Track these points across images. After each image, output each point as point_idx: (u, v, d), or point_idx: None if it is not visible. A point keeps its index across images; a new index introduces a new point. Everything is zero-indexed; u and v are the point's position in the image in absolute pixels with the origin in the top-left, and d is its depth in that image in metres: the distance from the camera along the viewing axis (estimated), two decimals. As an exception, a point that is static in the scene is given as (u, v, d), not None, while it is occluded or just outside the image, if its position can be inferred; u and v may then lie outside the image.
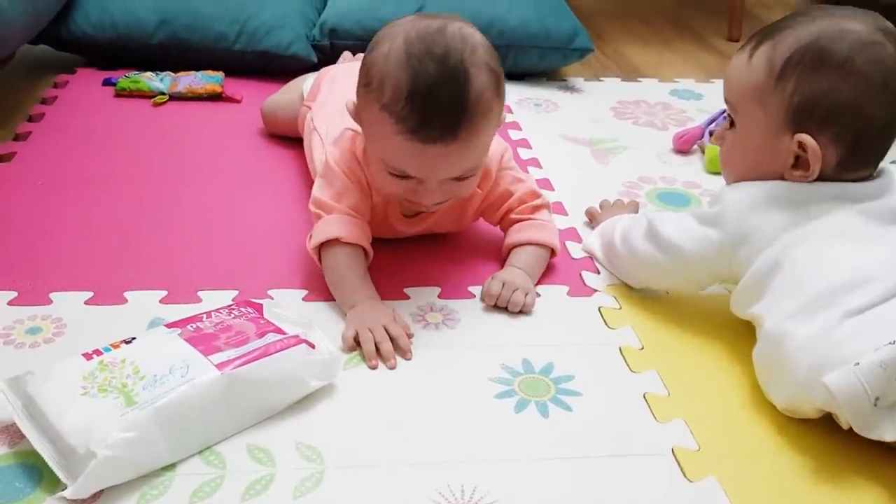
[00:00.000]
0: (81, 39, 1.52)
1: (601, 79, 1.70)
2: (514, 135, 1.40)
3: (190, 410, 0.73)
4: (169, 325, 0.81)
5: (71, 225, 1.08)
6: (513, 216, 1.04)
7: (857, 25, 0.83)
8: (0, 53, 1.19)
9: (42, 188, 1.16)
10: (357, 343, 0.88)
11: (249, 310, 0.84)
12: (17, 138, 1.29)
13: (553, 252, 1.04)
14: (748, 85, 0.88)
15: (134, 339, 0.79)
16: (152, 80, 1.46)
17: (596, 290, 1.01)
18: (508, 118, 1.46)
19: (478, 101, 0.86)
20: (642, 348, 0.92)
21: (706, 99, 1.60)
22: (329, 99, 1.18)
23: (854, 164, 0.85)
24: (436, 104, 0.84)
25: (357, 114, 0.94)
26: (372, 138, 0.92)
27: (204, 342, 0.78)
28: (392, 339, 0.88)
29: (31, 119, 1.36)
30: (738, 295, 0.89)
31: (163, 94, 1.44)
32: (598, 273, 1.05)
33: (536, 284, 1.01)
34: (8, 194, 1.14)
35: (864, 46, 0.82)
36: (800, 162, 0.86)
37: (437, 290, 1.00)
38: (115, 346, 0.77)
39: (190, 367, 0.75)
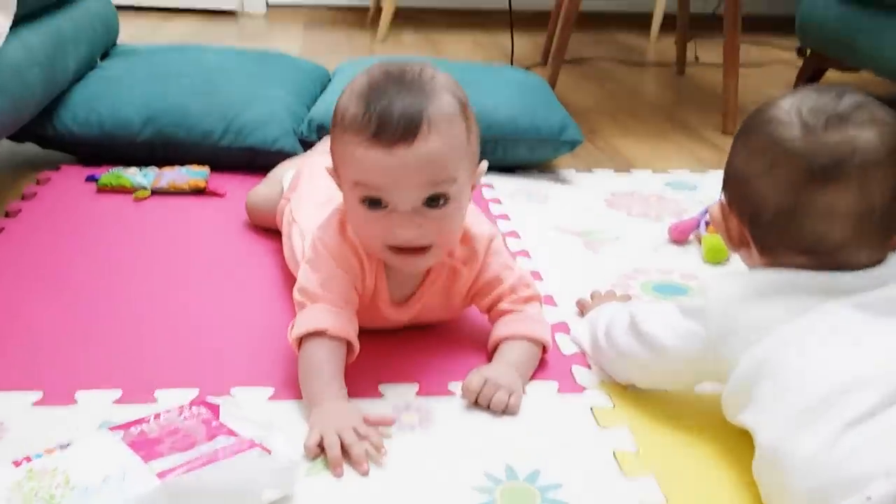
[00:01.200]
0: (67, 137, 1.51)
1: (593, 171, 1.66)
2: (503, 225, 1.35)
3: (124, 526, 0.65)
4: (113, 429, 0.74)
5: (29, 322, 1.02)
6: (502, 306, 0.98)
7: (784, 101, 0.79)
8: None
9: (7, 284, 1.11)
10: (322, 449, 0.80)
11: (203, 410, 0.77)
12: (-12, 234, 1.25)
13: (545, 348, 0.97)
14: None
15: (70, 444, 0.72)
16: (135, 175, 1.43)
17: (587, 388, 0.94)
18: (497, 209, 1.42)
19: (438, 108, 0.83)
20: (638, 451, 0.84)
21: (701, 190, 1.56)
22: (309, 191, 1.14)
23: (768, 247, 0.81)
24: (395, 108, 0.82)
25: (333, 163, 0.91)
26: (343, 170, 0.87)
27: (146, 447, 0.70)
28: (363, 438, 0.80)
29: (7, 215, 1.32)
30: (727, 399, 0.81)
31: (145, 189, 1.41)
32: (590, 368, 0.97)
33: (527, 383, 0.93)
34: (-32, 291, 1.09)
35: (767, 123, 0.79)
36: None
37: (415, 386, 0.93)
38: (49, 452, 0.70)
39: (126, 476, 0.67)
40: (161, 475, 0.67)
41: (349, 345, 0.90)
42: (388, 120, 0.82)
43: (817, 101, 0.78)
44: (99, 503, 0.65)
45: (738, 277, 0.83)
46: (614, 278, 1.19)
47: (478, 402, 0.89)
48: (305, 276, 0.93)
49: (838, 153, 0.74)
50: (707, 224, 1.32)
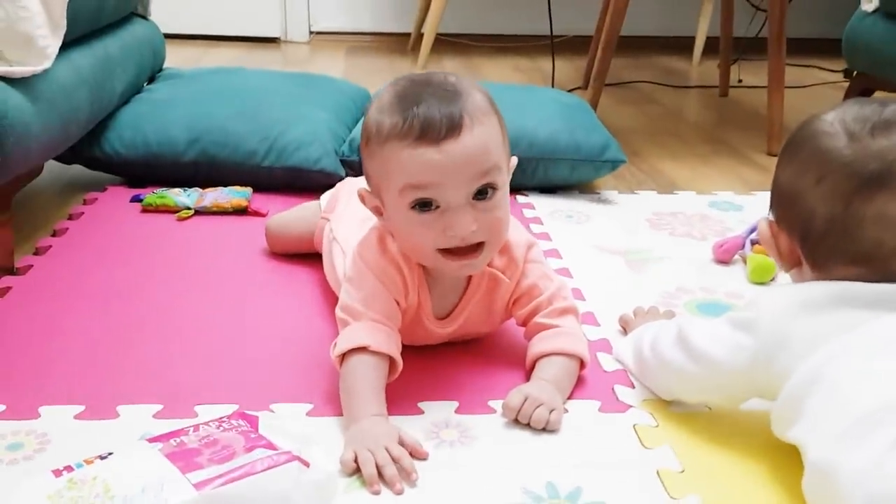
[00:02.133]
0: (113, 158, 1.54)
1: (636, 192, 1.64)
2: (543, 245, 1.33)
3: (162, 535, 0.64)
4: (151, 440, 0.74)
5: (73, 338, 1.03)
6: (539, 320, 0.96)
7: (828, 115, 0.79)
8: (24, 167, 1.19)
9: (51, 301, 1.12)
10: (357, 466, 0.79)
11: (242, 422, 0.77)
12: (36, 252, 1.28)
13: (583, 364, 0.95)
14: None
15: (111, 454, 0.72)
16: (179, 195, 1.45)
17: (630, 406, 0.92)
18: (538, 229, 1.41)
19: (473, 104, 0.85)
20: (683, 471, 0.82)
21: (746, 210, 1.53)
22: (348, 210, 1.14)
23: (820, 261, 0.79)
24: (433, 108, 0.84)
25: (369, 185, 0.91)
26: (387, 181, 0.87)
27: (185, 458, 0.70)
28: (395, 461, 0.79)
29: (54, 234, 1.34)
30: (777, 414, 0.79)
31: (188, 208, 1.43)
32: (633, 387, 0.95)
33: (566, 400, 0.92)
34: (14, 306, 1.11)
35: (812, 136, 0.78)
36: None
37: (455, 404, 0.91)
38: (89, 462, 0.70)
39: (165, 487, 0.67)
40: (199, 486, 0.67)
41: (392, 361, 0.89)
42: (432, 119, 0.83)
43: (860, 112, 0.78)
44: (137, 513, 0.64)
45: (790, 289, 0.81)
46: (657, 297, 1.17)
47: (518, 420, 0.87)
48: (348, 294, 0.93)
49: (887, 158, 0.74)
50: (753, 243, 1.30)
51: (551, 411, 0.87)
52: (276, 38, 3.15)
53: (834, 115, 0.79)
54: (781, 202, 0.82)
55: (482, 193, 0.86)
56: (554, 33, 2.42)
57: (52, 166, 1.57)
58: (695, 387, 0.87)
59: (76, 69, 1.32)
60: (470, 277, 0.96)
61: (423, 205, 0.85)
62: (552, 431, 0.87)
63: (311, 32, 3.23)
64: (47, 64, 1.16)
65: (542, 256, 1.00)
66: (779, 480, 0.80)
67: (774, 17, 1.91)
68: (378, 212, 0.92)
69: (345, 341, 0.88)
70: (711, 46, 2.94)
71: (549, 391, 0.89)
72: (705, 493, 0.78)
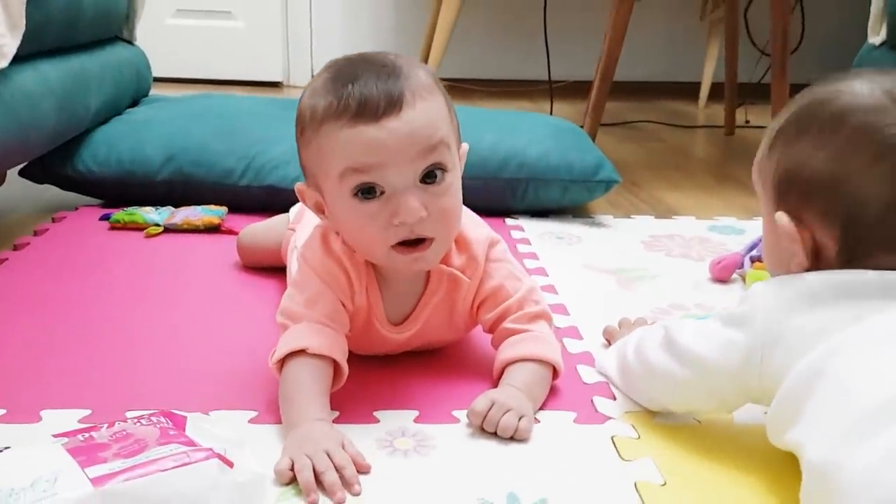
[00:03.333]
0: (86, 176, 1.48)
1: (632, 217, 1.56)
2: (529, 264, 1.25)
3: (47, 534, 0.56)
4: (58, 435, 0.66)
5: (7, 345, 0.95)
6: (507, 325, 0.87)
7: (859, 86, 0.69)
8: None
9: (-4, 309, 1.05)
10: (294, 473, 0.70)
11: (164, 420, 0.68)
12: (-9, 265, 1.21)
13: (556, 372, 0.86)
14: (755, 163, 0.78)
15: (7, 448, 0.64)
16: (149, 213, 1.39)
17: (610, 418, 0.83)
18: (524, 249, 1.33)
19: (416, 80, 0.78)
20: (664, 484, 0.72)
21: (749, 234, 1.44)
22: (313, 218, 1.07)
23: (863, 250, 0.68)
24: (370, 84, 0.76)
25: (307, 179, 0.84)
26: (325, 167, 0.79)
27: (88, 452, 0.62)
28: (336, 469, 0.70)
29: (15, 248, 1.28)
30: (773, 417, 0.69)
31: (157, 225, 1.36)
32: (615, 399, 0.86)
33: (538, 409, 0.83)
34: (-45, 313, 1.04)
35: (852, 110, 0.68)
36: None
37: (414, 413, 0.82)
38: (-21, 455, 0.62)
39: (58, 480, 0.58)
40: (97, 481, 0.58)
41: (336, 366, 0.81)
42: (369, 96, 0.76)
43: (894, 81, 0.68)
44: (20, 508, 0.56)
45: (787, 281, 0.72)
46: (648, 313, 1.08)
47: (484, 427, 0.78)
48: (290, 297, 0.85)
49: None
50: (752, 260, 1.21)
51: (520, 418, 0.78)
52: (278, 83, 3.14)
53: (866, 85, 0.69)
54: (813, 190, 0.70)
55: (431, 177, 0.78)
56: (554, 79, 2.39)
57: (23, 186, 1.52)
58: (683, 392, 0.78)
59: (43, 78, 1.28)
60: (427, 278, 0.87)
61: (367, 191, 0.77)
62: (520, 440, 0.78)
63: (313, 76, 3.22)
64: (4, 63, 1.11)
65: (509, 254, 0.91)
66: (772, 493, 0.70)
67: (777, 46, 1.86)
68: (319, 209, 0.84)
69: (283, 345, 0.80)
70: (717, 93, 2.90)
71: (518, 398, 0.80)
72: (689, 508, 0.68)
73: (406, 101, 0.76)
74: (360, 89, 0.76)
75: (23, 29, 1.13)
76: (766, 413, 0.72)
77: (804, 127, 0.72)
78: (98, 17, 1.51)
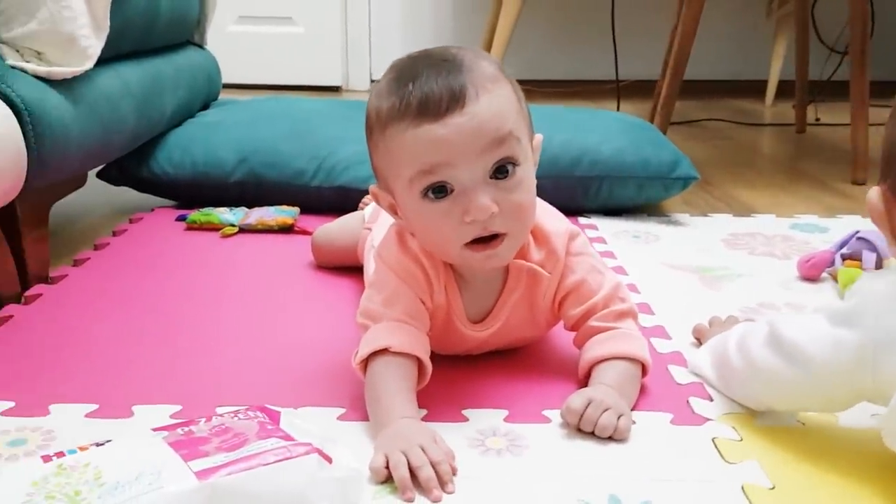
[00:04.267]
0: (161, 178, 1.50)
1: (709, 215, 1.52)
2: (607, 263, 1.22)
3: (153, 527, 0.55)
4: (157, 429, 0.66)
5: (95, 342, 0.97)
6: (593, 323, 0.85)
7: None
8: (62, 172, 1.15)
9: (81, 307, 1.07)
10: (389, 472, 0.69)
11: (261, 414, 0.68)
12: (74, 264, 1.23)
13: (645, 370, 0.84)
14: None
15: (109, 441, 0.63)
16: (224, 213, 1.40)
17: (708, 419, 0.80)
18: (600, 248, 1.30)
19: (479, 74, 0.76)
20: (773, 487, 0.69)
21: (832, 232, 1.39)
22: (389, 217, 1.06)
23: None
24: (430, 81, 0.74)
25: (378, 182, 0.83)
26: (394, 171, 0.78)
27: (189, 446, 0.61)
28: (432, 465, 0.68)
29: (95, 248, 1.30)
30: (889, 421, 0.66)
31: (232, 225, 1.37)
32: (711, 400, 0.83)
33: (632, 409, 0.80)
34: (39, 312, 1.05)
35: None
36: None
37: (504, 412, 0.81)
38: (83, 449, 0.62)
39: (162, 473, 0.58)
40: (201, 474, 0.58)
41: (420, 364, 0.79)
42: (430, 93, 0.74)
43: None
44: (128, 500, 0.55)
45: None
46: (737, 312, 1.04)
47: (580, 427, 0.76)
48: (368, 297, 0.84)
49: None
50: (844, 258, 1.17)
51: (619, 417, 0.76)
52: (338, 87, 3.16)
53: None
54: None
55: (501, 171, 0.76)
56: (619, 78, 2.35)
57: (101, 188, 1.55)
58: (790, 392, 0.74)
59: (123, 80, 1.29)
60: (506, 274, 0.85)
61: (437, 190, 0.76)
62: (619, 441, 0.75)
63: (372, 81, 3.23)
64: (89, 64, 1.12)
65: (589, 247, 0.89)
66: (889, 500, 0.66)
67: (857, 35, 1.80)
68: (393, 210, 0.82)
69: (365, 345, 0.79)
70: (782, 91, 2.83)
71: (614, 396, 0.78)
72: (802, 512, 0.65)
73: (469, 95, 0.74)
74: (421, 87, 0.74)
75: (106, 31, 1.14)
76: (873, 416, 0.69)
77: None
78: (173, 21, 1.53)
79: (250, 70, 3.02)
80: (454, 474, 0.69)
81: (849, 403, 0.72)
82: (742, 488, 0.69)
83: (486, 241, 0.78)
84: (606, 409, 0.76)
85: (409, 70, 0.77)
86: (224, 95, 1.91)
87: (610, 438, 0.75)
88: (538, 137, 0.83)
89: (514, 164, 0.76)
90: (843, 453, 0.74)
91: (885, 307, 0.66)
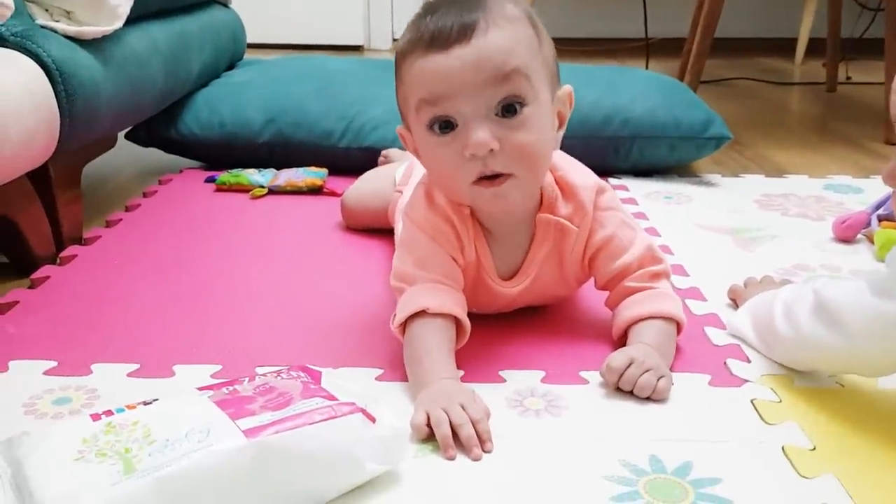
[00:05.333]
0: (190, 139, 1.50)
1: (741, 175, 1.51)
2: (640, 224, 1.21)
3: (204, 484, 0.56)
4: (202, 388, 0.66)
5: (133, 302, 0.98)
6: (628, 284, 0.85)
7: None
8: (94, 132, 1.15)
9: (117, 267, 1.08)
10: (430, 430, 0.69)
11: (303, 374, 0.68)
12: (107, 225, 1.24)
13: (679, 328, 0.84)
14: None
15: (156, 400, 0.64)
16: (253, 174, 1.40)
17: (747, 381, 0.79)
18: (632, 209, 1.29)
19: (497, 11, 0.75)
20: (814, 448, 0.69)
21: (867, 193, 1.37)
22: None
23: None
24: (448, 16, 0.74)
25: (403, 121, 0.83)
26: (408, 102, 0.78)
27: (236, 405, 0.62)
28: (472, 423, 0.69)
29: (127, 209, 1.31)
30: None
31: (262, 187, 1.37)
32: (749, 361, 0.83)
33: (669, 370, 0.80)
34: (76, 273, 1.06)
35: None
36: None
37: (541, 373, 0.81)
38: (131, 407, 0.63)
39: (211, 432, 0.58)
40: (249, 433, 0.58)
41: (459, 323, 0.79)
42: (443, 26, 0.74)
43: None
44: (178, 458, 0.56)
45: None
46: (772, 273, 1.04)
47: (620, 386, 0.76)
48: (400, 259, 0.84)
49: None
50: (880, 219, 1.15)
51: (659, 378, 0.75)
52: (359, 46, 3.13)
53: None
54: None
55: (509, 110, 0.75)
56: (650, 36, 2.31)
57: (131, 150, 1.55)
58: (839, 360, 0.74)
59: (151, 39, 1.29)
60: (534, 229, 0.85)
61: (442, 125, 0.75)
62: (659, 401, 0.75)
63: (394, 40, 3.20)
64: (118, 24, 1.12)
65: (618, 202, 0.88)
66: (937, 460, 0.66)
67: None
68: (416, 151, 0.82)
69: (402, 309, 0.79)
70: (811, 49, 2.77)
71: (654, 356, 0.78)
72: (843, 474, 0.65)
73: (479, 28, 0.74)
74: (437, 20, 0.75)
75: (136, -11, 1.13)
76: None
77: None
78: (198, -22, 1.52)
79: (272, 29, 3.00)
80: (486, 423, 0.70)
81: (894, 369, 0.72)
82: (782, 449, 0.69)
83: (491, 179, 0.77)
84: (647, 370, 0.76)
85: (433, 5, 0.78)
86: (246, 55, 1.90)
87: (648, 399, 0.75)
88: (566, 88, 0.82)
89: (522, 103, 0.75)
90: (882, 414, 0.74)
91: None
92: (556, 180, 0.85)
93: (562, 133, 0.82)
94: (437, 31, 0.74)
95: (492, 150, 0.74)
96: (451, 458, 0.67)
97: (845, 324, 0.71)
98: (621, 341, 0.84)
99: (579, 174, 0.87)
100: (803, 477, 0.65)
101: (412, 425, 0.70)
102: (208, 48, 1.56)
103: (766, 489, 0.64)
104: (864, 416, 0.74)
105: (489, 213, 0.83)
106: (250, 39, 1.89)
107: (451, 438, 0.67)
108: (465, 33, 0.73)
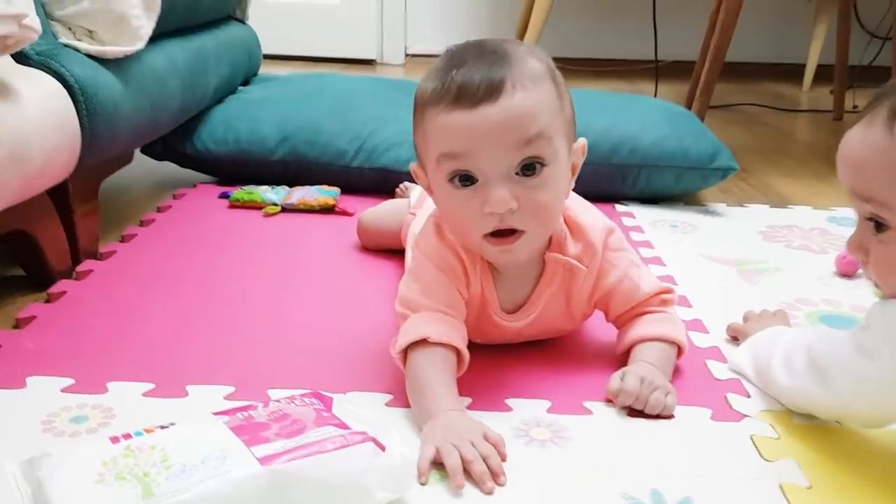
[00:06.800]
0: (204, 155, 1.52)
1: (746, 205, 1.53)
2: (645, 253, 1.24)
3: (219, 510, 0.58)
4: (218, 413, 0.68)
5: (148, 320, 1.00)
6: (639, 310, 0.89)
7: None
8: (112, 150, 1.17)
9: (132, 284, 1.10)
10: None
11: (315, 401, 0.70)
12: (122, 240, 1.26)
13: (680, 352, 0.87)
14: (883, 164, 0.66)
15: (173, 424, 0.66)
16: (266, 192, 1.42)
17: (746, 416, 0.81)
18: (638, 237, 1.31)
19: (522, 70, 0.77)
20: (811, 487, 0.71)
21: (872, 226, 1.39)
22: (432, 204, 1.08)
23: None
24: (474, 71, 0.76)
25: (418, 157, 0.84)
26: (428, 151, 0.80)
27: (250, 431, 0.64)
28: (483, 459, 0.70)
29: (141, 224, 1.33)
30: None
31: (275, 204, 1.39)
32: (749, 396, 0.85)
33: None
34: (92, 288, 1.08)
35: None
36: None
37: (547, 403, 0.83)
38: (149, 431, 0.65)
39: (227, 459, 0.61)
40: (264, 461, 0.60)
41: (459, 353, 0.81)
42: (470, 82, 0.75)
43: None
44: (195, 484, 0.58)
45: None
46: (774, 308, 1.06)
47: (632, 405, 0.80)
48: (406, 286, 0.86)
49: None
50: (882, 255, 1.17)
51: (667, 395, 0.79)
52: (372, 60, 3.16)
53: None
54: None
55: (528, 169, 0.77)
56: (659, 58, 2.33)
57: (145, 163, 1.58)
58: (833, 413, 0.77)
59: (170, 59, 1.32)
60: (542, 267, 0.87)
61: (463, 179, 0.78)
62: (666, 418, 0.79)
63: (406, 55, 3.23)
64: (140, 45, 1.14)
65: (625, 242, 0.91)
66: (930, 503, 0.68)
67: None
68: (429, 189, 0.85)
69: (404, 335, 0.81)
70: (820, 75, 2.79)
71: (659, 375, 0.82)
72: (840, 513, 0.67)
73: (506, 88, 0.75)
74: (463, 75, 0.76)
75: (158, 11, 1.16)
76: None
77: None
78: (217, -3, 1.55)
79: (285, 42, 3.03)
80: (504, 460, 0.72)
81: (887, 422, 0.74)
82: (780, 487, 0.70)
83: (503, 234, 0.79)
84: (656, 389, 0.79)
85: (457, 57, 0.79)
86: (261, 68, 1.92)
87: (657, 417, 0.79)
88: (581, 141, 0.84)
89: (542, 164, 0.78)
90: (879, 454, 0.76)
91: None
92: (565, 220, 0.87)
93: (573, 182, 0.85)
94: (464, 87, 0.75)
95: (511, 209, 0.77)
96: (460, 487, 0.68)
97: (834, 382, 0.73)
98: (624, 357, 0.87)
99: (589, 215, 0.89)
100: (800, 516, 0.67)
101: (420, 457, 0.71)
102: (225, 65, 1.58)
103: (763, 527, 0.66)
104: (860, 455, 0.75)
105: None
106: (265, 51, 1.91)
107: (461, 468, 0.69)
108: (492, 92, 0.75)
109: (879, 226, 0.68)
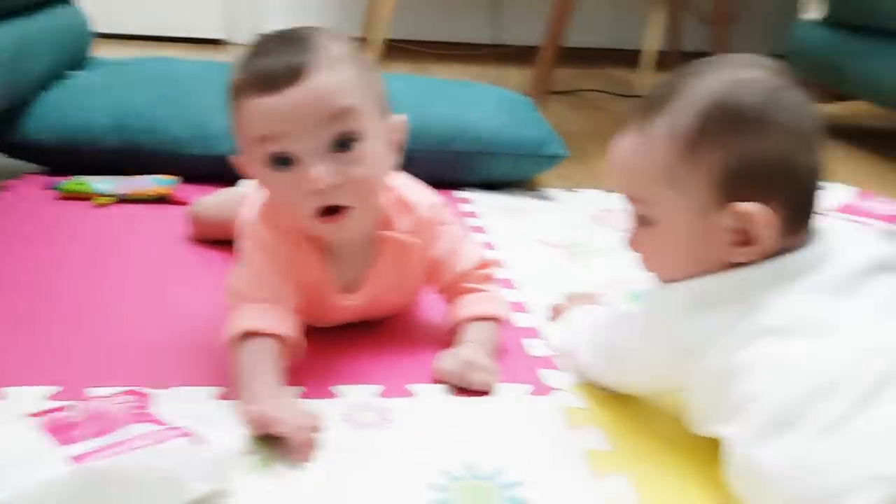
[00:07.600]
0: (32, 144, 1.45)
1: (579, 190, 1.61)
2: (476, 238, 1.29)
3: (28, 514, 0.58)
4: (34, 414, 0.68)
5: (-34, 318, 0.96)
6: (462, 284, 0.95)
7: (754, 73, 0.71)
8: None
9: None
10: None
11: (131, 398, 0.71)
12: (-63, 236, 1.19)
13: (503, 323, 0.95)
14: (654, 169, 0.72)
15: (-19, 428, 0.65)
16: (98, 182, 1.38)
17: (557, 389, 0.88)
18: (472, 222, 1.37)
19: (325, 53, 0.80)
20: (612, 451, 0.77)
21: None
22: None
23: (794, 227, 0.71)
24: (276, 58, 0.79)
25: (240, 152, 0.85)
26: (244, 138, 0.82)
27: (65, 431, 0.64)
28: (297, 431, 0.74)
29: (-41, 219, 1.26)
30: (690, 413, 0.75)
31: (106, 195, 1.35)
32: (562, 371, 0.91)
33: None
34: None
35: (772, 94, 0.70)
36: (743, 237, 0.71)
37: (374, 388, 0.86)
38: (-45, 436, 0.63)
39: (36, 460, 0.60)
40: (77, 459, 0.61)
41: (289, 342, 0.83)
42: (272, 68, 0.78)
43: (766, 64, 0.72)
44: (2, 487, 0.58)
45: (680, 288, 0.75)
46: (593, 289, 1.13)
47: (456, 384, 0.86)
48: (235, 275, 0.87)
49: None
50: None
51: (489, 373, 0.86)
52: (219, 40, 3.08)
53: (759, 71, 0.71)
54: (770, 174, 0.70)
55: (343, 145, 0.80)
56: (504, 42, 2.40)
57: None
58: (622, 385, 0.86)
59: (-12, 45, 1.25)
60: (374, 246, 0.91)
61: (280, 161, 0.80)
62: (487, 393, 0.86)
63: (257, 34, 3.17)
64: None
65: (453, 218, 0.97)
66: (713, 462, 0.75)
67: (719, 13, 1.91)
68: (256, 178, 0.87)
69: (230, 327, 0.82)
70: (662, 62, 2.95)
71: (481, 354, 0.88)
72: (633, 474, 0.74)
73: (308, 71, 0.78)
74: (266, 63, 0.79)
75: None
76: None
77: (736, 121, 0.69)
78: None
79: (124, 20, 2.91)
80: (317, 431, 0.75)
81: (671, 391, 0.82)
82: (585, 452, 0.77)
83: (332, 213, 0.82)
84: (478, 368, 0.85)
85: (262, 46, 0.82)
86: (96, 47, 1.84)
87: (481, 394, 0.85)
88: (400, 118, 0.88)
89: (355, 139, 0.81)
90: (674, 420, 0.83)
91: (669, 320, 0.75)
92: (395, 198, 0.91)
93: (396, 158, 0.88)
94: (269, 73, 0.78)
95: (330, 184, 0.79)
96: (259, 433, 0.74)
97: (625, 363, 0.83)
98: (451, 337, 0.92)
99: (416, 192, 0.94)
100: (598, 477, 0.73)
101: (247, 421, 0.74)
102: (50, 51, 1.51)
103: (564, 489, 0.72)
104: (658, 421, 0.83)
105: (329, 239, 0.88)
106: (101, 30, 1.83)
107: (278, 420, 0.74)
108: (295, 75, 0.77)
109: (647, 221, 0.76)
